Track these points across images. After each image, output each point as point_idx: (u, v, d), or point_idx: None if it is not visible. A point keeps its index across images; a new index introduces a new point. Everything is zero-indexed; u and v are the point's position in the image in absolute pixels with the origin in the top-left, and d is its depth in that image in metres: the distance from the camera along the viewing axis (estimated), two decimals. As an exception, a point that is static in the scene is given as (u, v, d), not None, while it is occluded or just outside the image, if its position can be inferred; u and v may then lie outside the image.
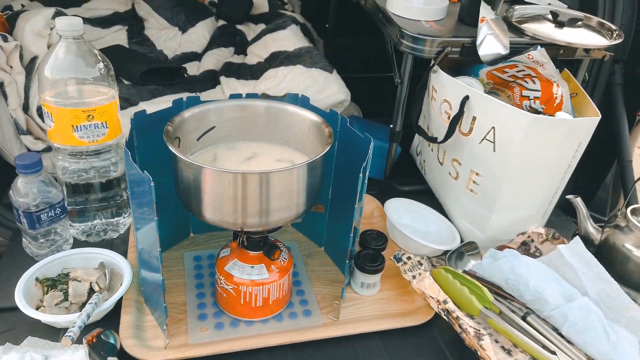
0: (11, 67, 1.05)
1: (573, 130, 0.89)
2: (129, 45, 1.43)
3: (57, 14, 1.13)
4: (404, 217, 1.09)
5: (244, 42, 1.53)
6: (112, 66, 0.88)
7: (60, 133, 0.87)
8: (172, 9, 1.48)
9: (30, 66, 1.07)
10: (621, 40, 1.01)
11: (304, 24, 1.62)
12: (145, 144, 0.82)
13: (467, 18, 1.05)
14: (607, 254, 0.98)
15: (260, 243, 0.81)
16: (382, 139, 1.21)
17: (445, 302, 0.84)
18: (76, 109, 0.85)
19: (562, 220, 1.17)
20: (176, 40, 1.47)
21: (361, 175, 0.74)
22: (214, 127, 0.85)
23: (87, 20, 1.43)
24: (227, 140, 0.87)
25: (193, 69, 1.38)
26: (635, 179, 0.99)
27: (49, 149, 1.07)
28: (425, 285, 0.87)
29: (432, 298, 0.86)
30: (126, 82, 1.24)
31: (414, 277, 0.90)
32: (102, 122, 0.88)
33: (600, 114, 0.90)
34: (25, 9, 1.23)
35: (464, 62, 1.09)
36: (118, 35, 1.44)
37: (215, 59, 1.41)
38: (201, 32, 1.48)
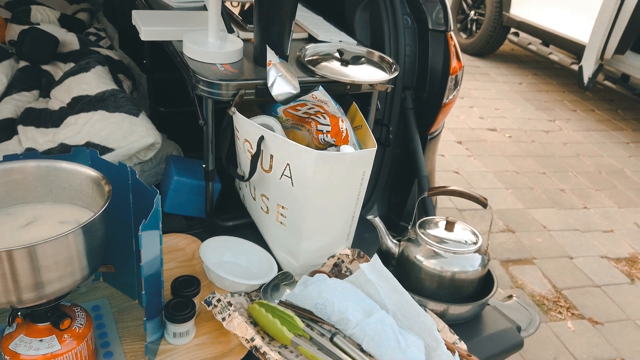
0: None
1: (355, 161, 0.98)
2: None
3: None
4: (225, 254, 1.11)
5: (50, 83, 1.43)
6: None
7: None
8: (-42, 54, 1.34)
9: None
10: (397, 73, 1.14)
11: (121, 60, 1.57)
12: None
13: (260, 60, 1.11)
14: (404, 266, 1.09)
15: (48, 313, 0.76)
16: (201, 178, 1.21)
17: (252, 339, 0.87)
18: None
19: (375, 236, 1.28)
20: (-35, 87, 1.33)
21: (141, 232, 0.73)
22: (-16, 194, 0.78)
23: None
24: (2, 206, 0.80)
25: (-14, 119, 1.26)
26: (425, 192, 1.12)
27: None
28: (234, 326, 0.89)
29: (242, 337, 0.89)
30: None
31: (223, 319, 0.91)
32: None
33: (376, 145, 1.01)
34: None
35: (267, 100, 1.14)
36: None
37: (14, 106, 1.30)
38: (-4, 77, 1.36)
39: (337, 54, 1.19)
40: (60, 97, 1.27)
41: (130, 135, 1.14)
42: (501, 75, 4.78)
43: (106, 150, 1.11)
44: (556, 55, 4.30)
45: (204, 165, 1.16)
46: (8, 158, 0.82)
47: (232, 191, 1.33)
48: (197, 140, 1.52)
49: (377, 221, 1.11)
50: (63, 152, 1.10)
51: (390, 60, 1.18)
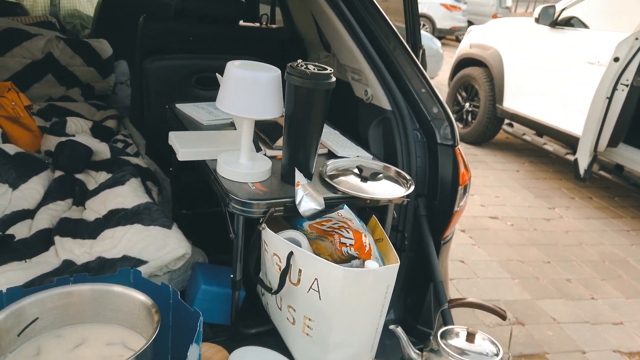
0: None
1: (380, 277, 1.04)
2: (-51, 208, 1.34)
3: None
4: (251, 364, 1.13)
5: (83, 191, 1.53)
6: None
7: None
8: (2, 166, 1.44)
9: None
10: (413, 188, 1.23)
11: (147, 168, 1.67)
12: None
13: (287, 178, 1.20)
14: (427, 377, 1.11)
15: None
16: (226, 286, 1.27)
17: None
18: None
19: (395, 342, 1.31)
20: (5, 198, 1.41)
21: (188, 357, 0.78)
22: (37, 318, 0.83)
23: None
24: (52, 327, 0.85)
25: (24, 229, 1.33)
26: (445, 303, 1.17)
27: None
28: None
29: None
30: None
31: None
32: None
33: (399, 260, 1.07)
34: None
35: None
36: None
37: (49, 216, 1.38)
38: (35, 187, 1.45)
39: (356, 170, 1.29)
40: (95, 209, 1.36)
41: (164, 248, 1.20)
42: (498, 162, 4.96)
43: (140, 262, 1.18)
44: (550, 145, 4.49)
45: (232, 275, 1.22)
46: (60, 282, 0.89)
47: (254, 298, 1.38)
48: (220, 243, 1.59)
49: (400, 331, 1.15)
50: (101, 265, 1.16)
51: (407, 177, 1.28)
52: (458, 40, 13.46)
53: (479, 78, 5.19)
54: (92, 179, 1.58)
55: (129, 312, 0.85)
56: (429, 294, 1.46)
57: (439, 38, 11.15)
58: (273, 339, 1.24)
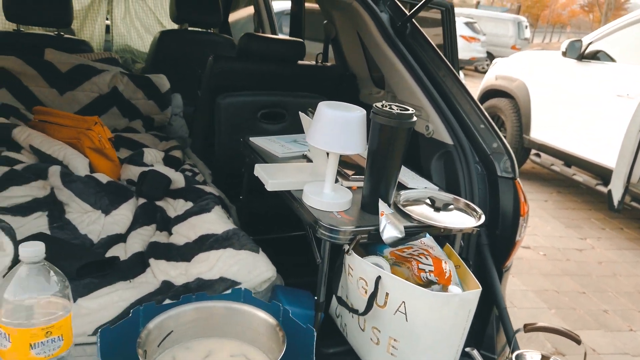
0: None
1: (464, 301, 1.13)
2: (50, 231, 1.46)
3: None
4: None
5: (164, 218, 1.64)
6: (67, 281, 0.95)
7: (17, 353, 0.89)
8: (96, 194, 1.57)
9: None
10: (484, 220, 1.33)
11: (219, 196, 1.79)
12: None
13: (368, 208, 1.31)
14: (503, 397, 1.19)
15: None
16: (307, 307, 1.36)
17: None
18: (36, 328, 0.89)
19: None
20: (99, 223, 1.54)
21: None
22: (172, 331, 0.94)
23: (6, 210, 1.45)
24: (182, 340, 0.96)
25: (120, 252, 1.44)
26: (515, 329, 1.25)
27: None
28: None
29: None
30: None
31: None
32: (58, 336, 0.92)
33: (480, 286, 1.16)
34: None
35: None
36: (38, 222, 1.47)
37: (140, 240, 1.49)
38: (124, 214, 1.57)
39: (428, 201, 1.39)
40: (184, 234, 1.47)
41: (254, 270, 1.31)
42: (526, 192, 4.96)
43: (235, 283, 1.28)
44: (580, 176, 4.55)
45: (315, 297, 1.32)
46: (185, 300, 0.99)
47: (328, 318, 1.47)
48: (289, 267, 1.69)
49: (476, 354, 1.23)
50: (200, 286, 1.27)
51: (476, 209, 1.38)
52: (477, 71, 13.67)
53: (505, 109, 5.30)
54: (171, 206, 1.70)
55: (252, 329, 0.95)
56: (491, 319, 1.54)
57: (459, 68, 11.31)
58: (350, 359, 1.32)
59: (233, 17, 4.02)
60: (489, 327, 1.54)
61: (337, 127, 1.22)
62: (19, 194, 1.54)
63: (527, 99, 5.06)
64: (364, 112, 1.26)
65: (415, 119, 1.24)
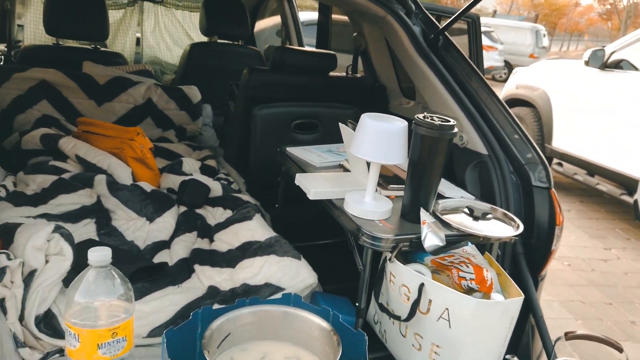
0: (12, 282, 1.11)
1: (506, 308, 1.15)
2: (99, 238, 1.52)
3: (57, 228, 1.23)
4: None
5: (204, 225, 1.70)
6: (130, 284, 1.00)
7: (85, 352, 0.94)
8: (141, 202, 1.63)
9: (28, 279, 1.14)
10: (522, 229, 1.35)
11: (256, 204, 1.84)
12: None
13: (408, 216, 1.34)
14: (544, 404, 1.21)
15: None
16: (347, 313, 1.39)
17: None
18: (104, 329, 0.94)
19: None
20: (144, 230, 1.59)
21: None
22: (229, 334, 0.98)
23: (57, 217, 1.52)
24: (239, 342, 1.00)
25: (166, 257, 1.50)
26: (555, 338, 1.27)
27: (43, 358, 1.10)
28: None
29: None
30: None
31: None
32: (123, 337, 0.97)
33: (522, 294, 1.19)
34: (16, 223, 1.30)
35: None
36: (87, 229, 1.53)
37: (184, 246, 1.54)
38: (168, 221, 1.63)
39: (466, 210, 1.42)
40: (227, 240, 1.52)
41: (297, 276, 1.35)
42: (549, 202, 4.98)
43: (279, 289, 1.32)
44: (604, 185, 4.51)
45: (357, 304, 1.35)
46: (240, 304, 1.03)
47: (364, 325, 1.50)
48: (324, 274, 1.72)
49: (516, 360, 1.25)
50: (246, 291, 1.31)
51: (514, 218, 1.40)
52: (494, 79, 13.62)
53: (526, 118, 5.29)
54: (210, 214, 1.75)
55: (305, 333, 0.99)
56: (527, 329, 1.55)
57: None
58: (389, 364, 1.35)
59: (256, 28, 4.10)
60: (524, 336, 1.55)
61: (379, 138, 1.26)
62: (68, 201, 1.60)
63: (548, 108, 5.05)
64: (406, 123, 1.30)
65: (456, 130, 1.27)
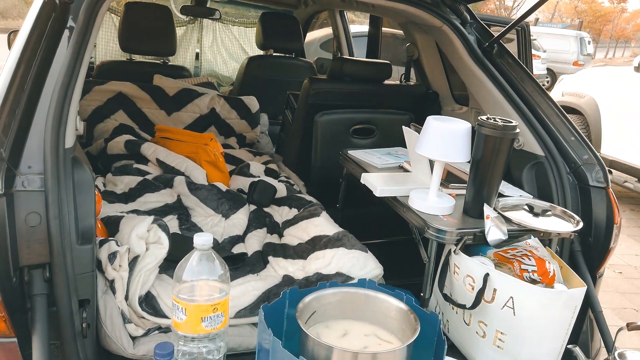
0: (120, 266, 1.27)
1: (570, 298, 1.22)
2: (181, 232, 1.68)
3: (156, 220, 1.39)
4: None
5: (272, 223, 1.83)
6: (227, 267, 1.13)
7: (191, 324, 1.07)
8: (218, 200, 1.78)
9: (132, 264, 1.29)
10: (581, 226, 1.41)
11: (318, 204, 1.96)
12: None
13: (471, 212, 1.43)
14: (608, 392, 1.26)
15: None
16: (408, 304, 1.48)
17: None
18: (207, 304, 1.07)
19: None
20: (220, 225, 1.74)
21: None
22: (315, 311, 1.09)
23: (146, 214, 1.68)
24: (322, 320, 1.11)
25: (242, 250, 1.63)
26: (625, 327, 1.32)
27: (145, 334, 1.24)
28: None
29: None
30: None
31: None
32: (221, 312, 1.10)
33: (585, 284, 1.25)
34: (118, 216, 1.47)
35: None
36: (171, 224, 1.68)
37: (257, 240, 1.68)
38: (242, 217, 1.77)
39: (526, 207, 1.50)
40: (298, 235, 1.64)
41: (365, 267, 1.45)
42: (599, 211, 4.90)
43: (349, 278, 1.43)
44: (657, 193, 4.42)
45: (421, 294, 1.44)
46: (322, 286, 1.15)
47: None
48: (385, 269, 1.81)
49: (578, 351, 1.31)
50: (319, 279, 1.42)
51: (573, 215, 1.46)
52: (537, 88, 13.37)
53: (574, 126, 5.23)
54: (276, 212, 1.89)
55: (383, 313, 1.09)
56: (585, 323, 1.60)
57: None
58: (451, 353, 1.43)
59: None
60: (582, 330, 1.60)
61: (445, 138, 1.35)
62: (152, 199, 1.77)
63: (597, 115, 4.99)
64: (469, 124, 1.39)
65: (518, 130, 1.36)
